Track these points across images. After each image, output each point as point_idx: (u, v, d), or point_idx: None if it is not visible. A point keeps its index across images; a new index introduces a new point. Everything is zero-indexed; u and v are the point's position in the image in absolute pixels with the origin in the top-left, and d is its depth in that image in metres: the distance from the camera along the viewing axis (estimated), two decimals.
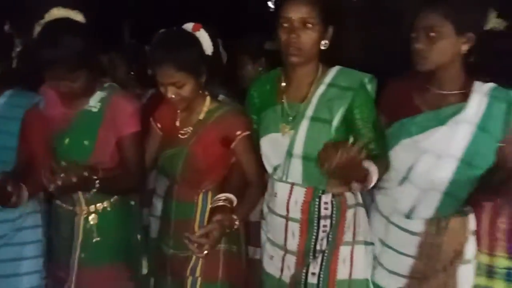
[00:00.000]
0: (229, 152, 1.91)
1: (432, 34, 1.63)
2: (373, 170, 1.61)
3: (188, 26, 1.87)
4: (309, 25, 1.68)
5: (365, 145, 1.62)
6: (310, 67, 1.79)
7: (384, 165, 1.74)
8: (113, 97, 1.94)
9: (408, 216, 1.78)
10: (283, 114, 1.82)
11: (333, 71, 1.81)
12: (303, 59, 1.73)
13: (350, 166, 1.46)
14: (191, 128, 1.92)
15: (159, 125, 2.01)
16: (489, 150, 1.68)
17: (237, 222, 1.77)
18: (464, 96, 1.70)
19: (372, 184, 1.63)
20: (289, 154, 1.78)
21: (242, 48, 2.69)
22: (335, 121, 1.73)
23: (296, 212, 1.81)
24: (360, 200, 1.89)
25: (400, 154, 1.76)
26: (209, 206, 1.87)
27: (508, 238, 1.81)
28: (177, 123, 1.95)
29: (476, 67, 1.72)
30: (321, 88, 1.78)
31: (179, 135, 1.93)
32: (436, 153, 1.69)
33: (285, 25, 1.71)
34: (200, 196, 1.94)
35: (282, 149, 1.80)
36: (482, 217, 1.85)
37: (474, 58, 1.71)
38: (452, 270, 1.80)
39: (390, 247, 1.84)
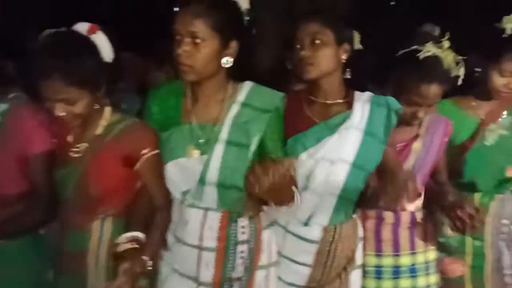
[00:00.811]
0: (133, 174, 1.69)
1: (317, 41, 1.69)
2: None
3: (82, 27, 1.60)
4: (198, 40, 1.52)
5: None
6: (215, 84, 1.65)
7: None
8: (16, 110, 1.65)
9: (306, 223, 1.77)
10: (192, 136, 1.65)
11: (246, 88, 1.70)
12: (197, 76, 1.57)
13: (282, 185, 1.39)
14: (87, 145, 1.67)
15: (54, 140, 1.72)
16: (377, 153, 1.76)
17: (149, 263, 1.58)
18: (348, 105, 1.78)
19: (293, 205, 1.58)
20: (202, 181, 1.63)
21: (148, 55, 2.51)
22: (253, 146, 1.64)
23: (211, 240, 1.66)
24: (272, 219, 1.81)
25: (298, 168, 1.70)
26: (107, 236, 1.65)
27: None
28: (69, 138, 1.69)
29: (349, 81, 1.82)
30: (235, 109, 1.66)
31: (72, 153, 1.67)
32: (331, 159, 1.72)
33: (177, 37, 1.54)
34: (96, 224, 1.69)
35: (193, 174, 1.63)
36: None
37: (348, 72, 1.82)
38: (345, 276, 1.84)
39: (286, 257, 1.80)
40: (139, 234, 1.60)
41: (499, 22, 2.07)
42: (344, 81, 1.80)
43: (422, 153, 1.97)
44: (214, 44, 1.54)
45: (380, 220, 1.98)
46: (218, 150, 1.62)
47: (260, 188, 1.37)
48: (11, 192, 1.64)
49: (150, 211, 1.69)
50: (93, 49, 1.57)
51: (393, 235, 1.98)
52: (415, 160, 1.96)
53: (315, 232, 1.77)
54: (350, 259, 1.84)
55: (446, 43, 1.85)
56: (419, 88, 1.82)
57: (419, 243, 2.01)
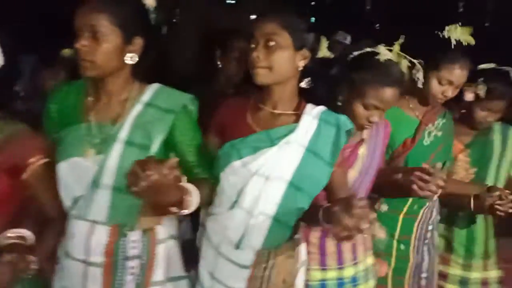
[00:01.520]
0: (20, 184, 1.58)
1: (272, 43, 1.55)
2: (193, 192, 1.44)
3: None
4: (99, 35, 1.48)
5: (190, 169, 1.59)
6: (119, 82, 1.59)
7: (208, 189, 1.62)
8: None
9: (237, 245, 1.65)
10: (89, 135, 1.57)
11: (152, 89, 1.63)
12: (98, 72, 1.52)
13: (162, 185, 1.28)
14: None
15: None
16: (320, 174, 1.64)
17: (35, 265, 1.47)
18: (296, 117, 1.66)
19: (192, 209, 1.46)
20: (96, 183, 1.54)
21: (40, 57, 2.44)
22: (154, 147, 1.57)
23: (97, 256, 1.57)
24: (173, 232, 1.71)
25: (230, 176, 1.64)
26: None
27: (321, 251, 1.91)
28: None
29: (305, 91, 1.71)
30: (137, 108, 1.59)
31: None
32: (265, 175, 1.60)
33: (79, 32, 1.49)
34: None
35: (86, 176, 1.55)
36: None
37: (308, 82, 1.70)
38: None
39: (219, 281, 1.69)
40: (27, 233, 1.52)
41: (441, 31, 2.09)
42: (298, 90, 1.68)
43: (367, 158, 1.93)
44: (115, 39, 1.50)
45: (324, 233, 1.91)
46: (116, 150, 1.54)
47: (138, 187, 1.25)
48: None
49: (40, 223, 1.61)
50: None
51: (337, 248, 1.93)
52: (362, 166, 1.91)
53: (246, 256, 1.66)
54: (289, 285, 1.72)
55: (397, 47, 1.81)
56: (379, 92, 1.76)
57: (360, 252, 1.98)
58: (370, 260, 2.03)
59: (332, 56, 1.70)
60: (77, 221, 1.58)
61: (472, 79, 2.16)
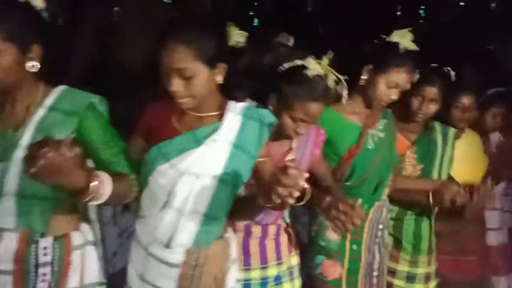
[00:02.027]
0: None
1: (187, 74, 1.50)
2: (105, 180, 1.41)
3: None
4: None
5: (107, 166, 1.54)
6: (22, 90, 1.54)
7: (126, 183, 1.59)
8: None
9: (167, 245, 1.66)
10: None
11: (56, 92, 1.59)
12: (2, 87, 1.49)
13: (61, 165, 1.25)
14: None
15: None
16: (245, 168, 1.67)
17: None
18: (221, 116, 1.68)
19: (104, 198, 1.43)
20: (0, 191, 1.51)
21: None
22: None
23: (7, 263, 1.54)
24: (91, 238, 1.69)
25: (160, 179, 1.64)
26: None
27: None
28: None
29: (228, 87, 1.69)
30: (40, 113, 1.55)
31: None
32: (195, 173, 1.62)
33: None
34: None
35: None
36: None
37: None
38: None
39: (148, 282, 1.69)
40: None
41: (389, 35, 2.15)
42: (219, 92, 1.67)
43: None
44: (11, 53, 1.45)
45: (248, 234, 1.95)
46: (17, 157, 1.49)
47: (36, 166, 1.22)
48: None
49: None
50: None
51: (260, 248, 1.97)
52: None
53: (176, 255, 1.65)
54: (220, 282, 1.72)
55: (325, 61, 1.82)
56: (305, 106, 1.79)
57: (284, 252, 2.02)
58: (295, 260, 2.07)
59: (241, 43, 1.65)
60: None
61: None
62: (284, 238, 2.04)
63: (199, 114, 1.66)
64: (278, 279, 1.99)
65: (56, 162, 1.24)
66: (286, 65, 1.84)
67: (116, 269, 2.19)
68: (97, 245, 1.70)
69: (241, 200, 1.72)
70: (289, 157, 1.94)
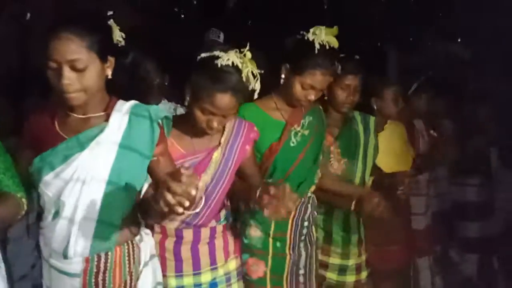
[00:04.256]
0: None
1: (79, 66, 1.46)
2: None
3: None
4: None
5: None
6: None
7: (10, 204, 1.55)
8: None
9: (65, 255, 1.60)
10: None
11: None
12: None
13: None
14: None
15: None
16: (138, 168, 1.62)
17: None
18: (107, 117, 1.60)
19: None
20: None
21: None
22: None
23: None
24: None
25: (46, 190, 1.58)
26: None
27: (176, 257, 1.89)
28: None
29: (114, 85, 1.64)
30: None
31: None
32: (81, 179, 1.55)
33: None
34: None
35: None
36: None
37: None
38: None
39: None
40: None
41: (305, 33, 2.08)
42: (106, 90, 1.61)
43: (222, 163, 1.89)
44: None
45: (179, 238, 1.90)
46: None
47: None
48: None
49: None
50: None
51: (193, 253, 1.92)
52: (215, 171, 1.88)
53: (74, 265, 1.61)
54: (128, 285, 1.67)
55: (248, 54, 1.75)
56: (212, 97, 1.71)
57: (220, 256, 1.96)
58: (232, 264, 2.02)
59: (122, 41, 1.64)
60: None
61: None
62: (219, 242, 1.97)
63: (84, 116, 1.59)
64: (214, 285, 1.94)
65: None
66: (203, 55, 1.76)
67: (38, 282, 2.08)
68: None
69: (143, 201, 1.62)
70: (216, 154, 1.88)
